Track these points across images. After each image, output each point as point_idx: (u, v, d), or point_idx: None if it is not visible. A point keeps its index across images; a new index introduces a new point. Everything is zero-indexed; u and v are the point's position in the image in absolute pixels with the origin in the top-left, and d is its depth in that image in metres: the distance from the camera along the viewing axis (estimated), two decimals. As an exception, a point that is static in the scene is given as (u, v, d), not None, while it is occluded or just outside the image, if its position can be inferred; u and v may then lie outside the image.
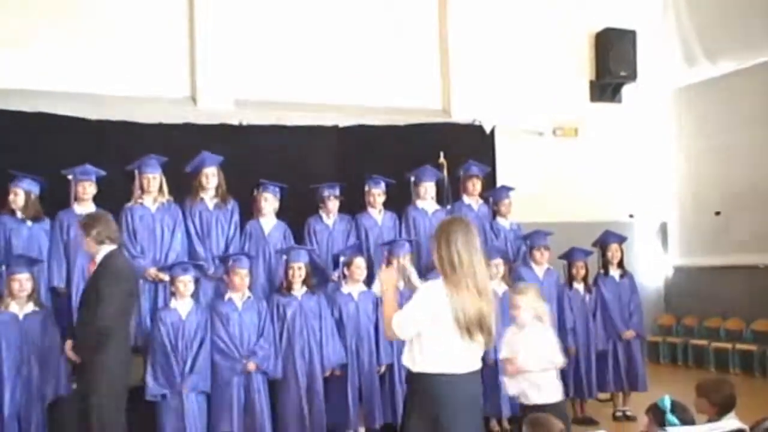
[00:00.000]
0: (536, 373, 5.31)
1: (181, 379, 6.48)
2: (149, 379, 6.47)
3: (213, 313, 6.77)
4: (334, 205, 7.88)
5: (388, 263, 7.50)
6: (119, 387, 5.52)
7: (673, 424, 4.13)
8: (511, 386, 5.46)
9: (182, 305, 6.64)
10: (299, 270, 7.03)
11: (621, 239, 8.57)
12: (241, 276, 6.81)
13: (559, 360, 5.48)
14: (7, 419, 6.08)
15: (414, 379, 4.15)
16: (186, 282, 6.64)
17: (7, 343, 6.14)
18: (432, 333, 4.04)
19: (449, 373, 4.01)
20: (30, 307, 6.29)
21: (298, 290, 7.06)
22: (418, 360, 4.10)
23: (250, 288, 7.00)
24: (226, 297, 6.87)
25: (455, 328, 3.99)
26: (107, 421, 5.42)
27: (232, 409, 6.63)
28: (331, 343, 7.03)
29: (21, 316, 6.22)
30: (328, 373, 7.03)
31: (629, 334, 8.33)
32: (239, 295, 6.84)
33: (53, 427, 6.33)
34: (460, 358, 4.05)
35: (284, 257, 7.17)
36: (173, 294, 6.68)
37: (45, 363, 6.22)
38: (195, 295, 6.85)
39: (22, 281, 6.28)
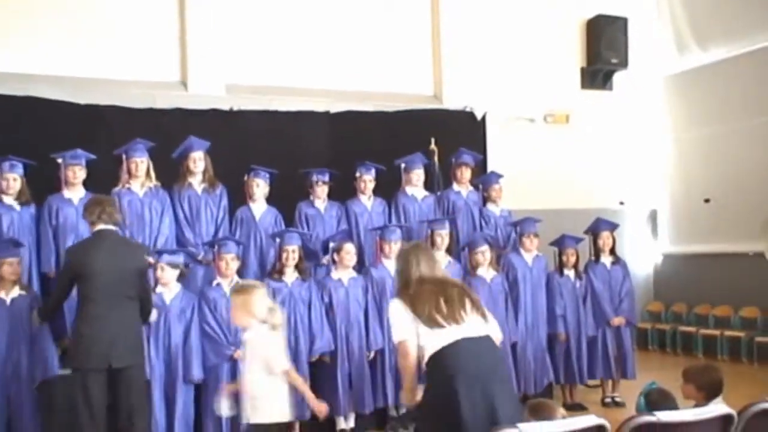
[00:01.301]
0: (255, 385, 4.70)
1: (164, 367, 6.45)
2: None
3: (201, 299, 6.73)
4: (322, 190, 7.85)
5: (380, 249, 7.50)
6: (83, 365, 5.54)
7: (640, 408, 4.18)
8: (223, 405, 4.91)
9: (167, 291, 6.58)
10: (293, 253, 6.99)
11: (613, 226, 8.56)
12: (227, 261, 6.76)
13: (278, 366, 4.75)
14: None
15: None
16: (164, 267, 6.56)
17: None
18: (419, 334, 4.06)
19: (439, 348, 3.96)
20: (16, 291, 6.26)
21: (291, 275, 7.02)
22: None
23: (239, 273, 6.97)
24: (215, 283, 6.83)
25: (420, 322, 4.03)
26: (74, 397, 5.58)
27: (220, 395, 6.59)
28: (319, 329, 7.01)
29: (8, 301, 6.20)
30: (314, 359, 6.99)
31: (618, 320, 8.32)
32: (227, 280, 6.78)
33: (42, 408, 6.31)
34: (443, 334, 4.00)
35: (277, 240, 7.14)
36: (157, 280, 6.62)
37: (33, 346, 6.21)
38: (184, 281, 6.82)
39: (14, 264, 6.27)
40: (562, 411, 4.06)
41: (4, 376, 6.11)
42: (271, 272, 7.11)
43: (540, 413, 4.02)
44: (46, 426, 6.30)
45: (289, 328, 6.88)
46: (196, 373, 6.51)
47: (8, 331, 6.13)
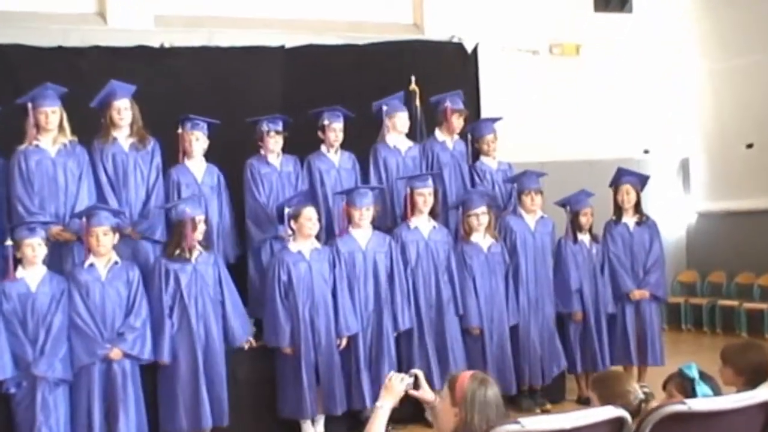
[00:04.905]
0: None
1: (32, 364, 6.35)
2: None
3: (71, 284, 6.59)
4: (275, 142, 7.79)
5: (348, 218, 7.49)
6: None
7: (705, 394, 4.09)
8: None
9: (31, 274, 6.49)
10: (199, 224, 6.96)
11: (640, 178, 8.55)
12: (98, 236, 6.60)
13: None
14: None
15: None
16: (35, 245, 6.48)
17: None
18: None
19: None
20: None
21: (194, 252, 6.93)
22: None
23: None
24: (87, 263, 6.68)
25: None
26: None
27: (92, 401, 6.46)
28: (233, 315, 7.01)
29: None
30: (246, 345, 7.05)
31: (638, 293, 8.32)
32: (103, 260, 6.67)
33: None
34: None
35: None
36: (20, 260, 6.49)
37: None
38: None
39: None
40: (634, 386, 3.98)
41: None
42: (167, 249, 7.00)
43: (603, 387, 3.96)
44: None
45: (197, 314, 6.85)
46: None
47: None
